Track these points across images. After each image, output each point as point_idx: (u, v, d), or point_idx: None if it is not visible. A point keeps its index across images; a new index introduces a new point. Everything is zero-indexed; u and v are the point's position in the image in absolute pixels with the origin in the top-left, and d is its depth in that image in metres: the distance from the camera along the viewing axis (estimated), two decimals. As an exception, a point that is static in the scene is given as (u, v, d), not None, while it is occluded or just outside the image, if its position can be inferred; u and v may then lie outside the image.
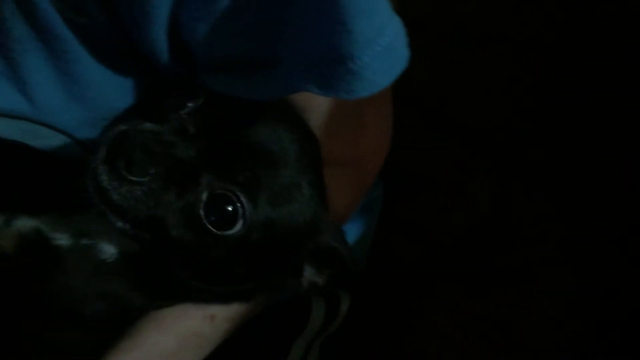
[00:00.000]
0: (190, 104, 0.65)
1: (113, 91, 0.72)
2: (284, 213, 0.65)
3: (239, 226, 0.63)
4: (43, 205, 0.73)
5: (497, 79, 1.30)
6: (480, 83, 1.31)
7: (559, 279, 1.24)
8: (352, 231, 0.96)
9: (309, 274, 0.72)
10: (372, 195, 1.03)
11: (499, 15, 1.33)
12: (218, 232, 0.63)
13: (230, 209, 0.63)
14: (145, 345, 0.73)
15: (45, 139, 0.72)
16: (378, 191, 1.07)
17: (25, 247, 0.72)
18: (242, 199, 0.63)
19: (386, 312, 1.29)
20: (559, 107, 1.29)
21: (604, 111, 1.24)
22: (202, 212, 0.63)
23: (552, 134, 1.28)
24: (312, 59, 0.59)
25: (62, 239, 0.71)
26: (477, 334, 1.26)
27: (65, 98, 0.71)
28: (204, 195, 0.63)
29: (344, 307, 1.13)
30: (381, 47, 0.57)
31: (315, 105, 0.74)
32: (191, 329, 0.75)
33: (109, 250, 0.72)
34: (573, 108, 1.28)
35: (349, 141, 0.78)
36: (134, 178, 0.60)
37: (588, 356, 1.23)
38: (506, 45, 1.28)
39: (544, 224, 1.24)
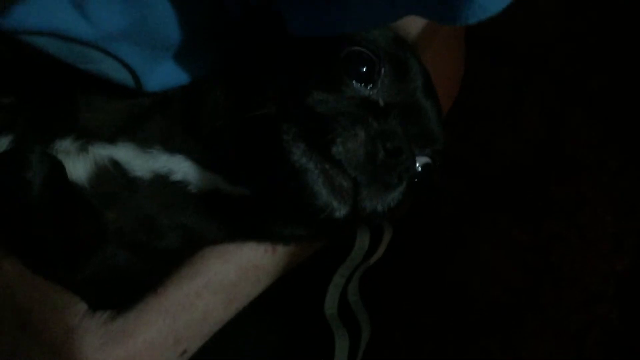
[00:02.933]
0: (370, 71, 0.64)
1: (173, 18, 0.65)
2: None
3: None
4: (122, 132, 0.69)
5: (556, 5, 1.22)
6: (540, 8, 1.23)
7: (612, 211, 1.19)
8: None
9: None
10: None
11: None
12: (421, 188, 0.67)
13: (428, 172, 0.67)
14: (207, 274, 0.71)
15: (96, 64, 0.65)
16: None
17: (101, 176, 0.67)
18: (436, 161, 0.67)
19: (429, 242, 1.26)
20: (620, 36, 1.21)
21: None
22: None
23: (611, 62, 1.21)
24: None
25: (141, 171, 0.67)
26: (523, 266, 1.22)
27: (121, 15, 0.65)
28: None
29: (387, 238, 1.11)
30: None
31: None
32: (252, 260, 0.73)
33: (194, 181, 0.68)
34: (634, 37, 1.20)
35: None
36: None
37: (633, 292, 1.20)
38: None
39: (600, 153, 1.18)
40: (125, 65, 0.66)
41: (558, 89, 1.21)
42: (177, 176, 0.67)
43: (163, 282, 0.70)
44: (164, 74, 0.69)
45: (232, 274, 0.72)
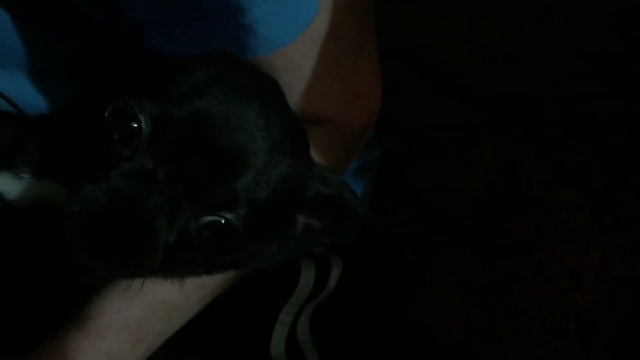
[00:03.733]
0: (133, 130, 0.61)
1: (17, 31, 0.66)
2: (266, 192, 0.63)
3: (233, 236, 0.63)
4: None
5: (506, 42, 1.24)
6: (491, 49, 1.25)
7: (567, 247, 1.19)
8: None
9: (302, 219, 0.71)
10: (367, 157, 1.00)
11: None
12: (215, 245, 0.63)
13: (220, 229, 0.62)
14: (109, 314, 0.70)
15: None
16: (375, 153, 1.04)
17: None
18: (228, 216, 0.62)
19: (387, 281, 1.25)
20: (570, 75, 1.23)
21: (614, 79, 1.18)
22: (196, 240, 0.62)
23: (562, 101, 1.22)
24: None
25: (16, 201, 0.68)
26: (482, 304, 1.22)
27: None
28: (193, 226, 0.62)
29: (336, 272, 1.11)
30: None
31: (297, 64, 0.69)
32: (158, 295, 0.72)
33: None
34: (583, 74, 1.22)
35: (331, 99, 0.74)
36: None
37: (594, 326, 1.19)
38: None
39: (555, 190, 1.19)
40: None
41: (511, 127, 1.22)
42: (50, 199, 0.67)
43: (63, 324, 0.69)
44: (33, 97, 0.70)
45: (137, 311, 0.71)
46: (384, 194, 1.17)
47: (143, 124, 0.60)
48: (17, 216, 0.68)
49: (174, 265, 0.65)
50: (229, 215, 0.62)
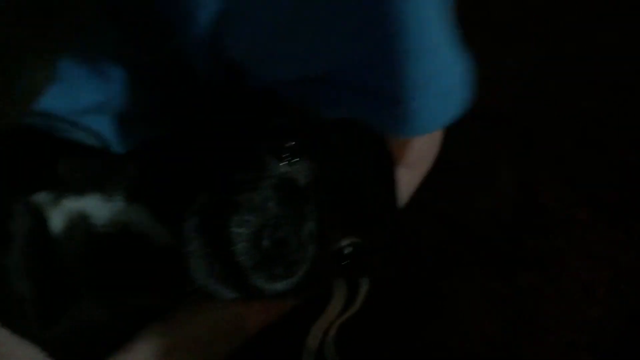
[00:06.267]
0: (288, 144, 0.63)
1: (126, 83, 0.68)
2: None
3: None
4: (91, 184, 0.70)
5: (522, 66, 1.29)
6: (503, 68, 1.30)
7: (584, 262, 1.24)
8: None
9: None
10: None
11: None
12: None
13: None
14: (179, 331, 0.71)
15: (69, 133, 0.69)
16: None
17: (73, 228, 0.68)
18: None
19: (408, 296, 1.27)
20: (581, 94, 1.28)
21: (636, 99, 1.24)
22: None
23: (576, 121, 1.27)
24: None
25: (103, 220, 0.68)
26: (501, 319, 1.25)
27: (97, 91, 0.67)
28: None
29: (363, 290, 1.12)
30: (436, 90, 0.56)
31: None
32: (226, 317, 0.73)
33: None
34: (596, 95, 1.28)
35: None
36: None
37: (611, 342, 1.23)
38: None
39: (570, 207, 1.24)
40: (95, 134, 0.69)
41: (527, 146, 1.27)
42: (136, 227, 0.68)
43: (132, 338, 0.69)
44: (131, 140, 0.71)
45: (205, 332, 0.71)
46: (406, 210, 1.20)
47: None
48: (102, 240, 0.68)
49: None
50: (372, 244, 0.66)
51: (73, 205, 0.68)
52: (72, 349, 0.69)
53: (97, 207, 0.68)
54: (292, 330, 1.05)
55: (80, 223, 0.68)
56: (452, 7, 0.59)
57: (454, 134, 1.31)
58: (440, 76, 0.57)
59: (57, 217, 0.67)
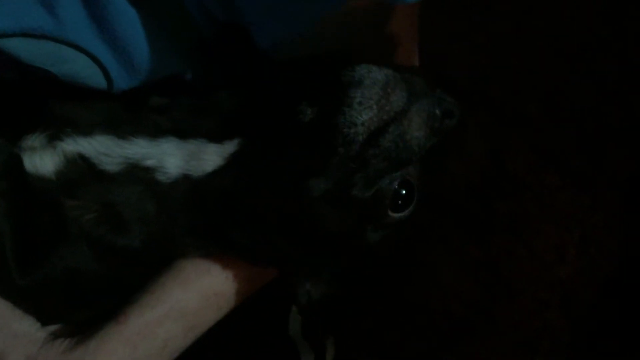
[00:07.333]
0: None
1: (140, 35, 0.68)
2: None
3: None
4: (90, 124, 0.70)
5: (488, 41, 1.34)
6: (475, 45, 1.36)
7: (554, 225, 1.30)
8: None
9: None
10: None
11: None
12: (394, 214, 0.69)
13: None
14: (168, 302, 0.72)
15: (69, 63, 0.68)
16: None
17: (69, 168, 0.69)
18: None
19: (389, 263, 1.34)
20: (547, 67, 1.34)
21: (598, 68, 1.30)
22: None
23: (544, 90, 1.33)
24: None
25: (111, 163, 0.68)
26: (477, 281, 1.31)
27: (89, 20, 0.66)
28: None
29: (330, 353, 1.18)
30: None
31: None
32: (213, 287, 0.75)
33: (171, 170, 0.69)
34: (560, 68, 1.33)
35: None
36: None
37: (575, 298, 1.30)
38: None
39: (539, 173, 1.30)
40: (97, 62, 0.68)
41: (497, 117, 1.33)
42: (151, 162, 0.68)
43: (124, 310, 0.71)
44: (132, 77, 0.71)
45: (193, 301, 0.73)
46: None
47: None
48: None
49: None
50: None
51: (71, 146, 0.68)
52: (57, 302, 0.71)
53: (107, 146, 0.68)
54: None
55: (79, 164, 0.67)
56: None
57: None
58: None
59: (49, 159, 0.68)
